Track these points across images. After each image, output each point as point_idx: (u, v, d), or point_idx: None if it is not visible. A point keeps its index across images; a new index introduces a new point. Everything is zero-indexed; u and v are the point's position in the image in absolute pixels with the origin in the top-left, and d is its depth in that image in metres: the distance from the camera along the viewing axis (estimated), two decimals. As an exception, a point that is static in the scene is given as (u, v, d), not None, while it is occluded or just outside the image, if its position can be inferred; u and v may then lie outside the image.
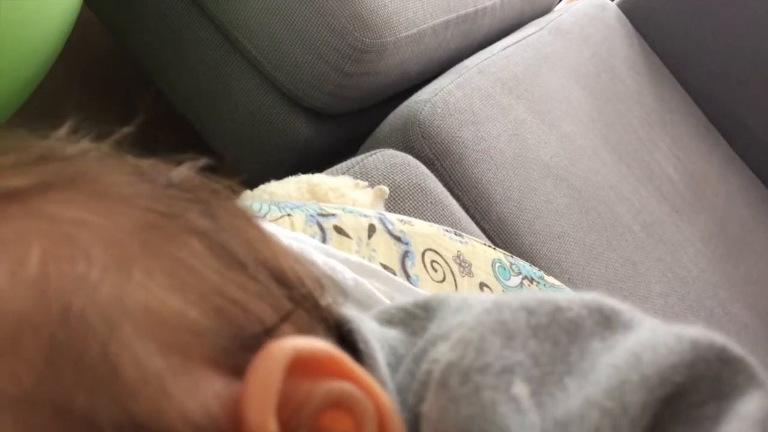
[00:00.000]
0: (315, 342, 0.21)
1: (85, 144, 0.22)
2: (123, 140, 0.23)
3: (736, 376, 0.20)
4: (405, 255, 0.47)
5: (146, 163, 0.23)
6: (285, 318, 0.21)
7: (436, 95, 0.90)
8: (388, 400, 0.21)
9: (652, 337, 0.20)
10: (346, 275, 0.41)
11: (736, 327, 0.96)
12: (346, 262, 0.43)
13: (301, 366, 0.20)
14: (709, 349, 0.20)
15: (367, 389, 0.21)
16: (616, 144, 1.05)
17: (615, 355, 0.20)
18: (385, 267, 0.46)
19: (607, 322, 0.22)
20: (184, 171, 0.23)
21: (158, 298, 0.19)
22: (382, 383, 0.22)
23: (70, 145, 0.22)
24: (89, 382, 0.18)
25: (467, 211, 0.85)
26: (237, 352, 0.20)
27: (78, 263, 0.19)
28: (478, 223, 0.84)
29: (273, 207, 0.45)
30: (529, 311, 0.21)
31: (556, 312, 0.21)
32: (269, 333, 0.21)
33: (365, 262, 0.43)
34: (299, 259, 0.26)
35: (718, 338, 0.21)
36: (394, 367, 0.23)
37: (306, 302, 0.23)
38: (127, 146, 0.23)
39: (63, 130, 0.23)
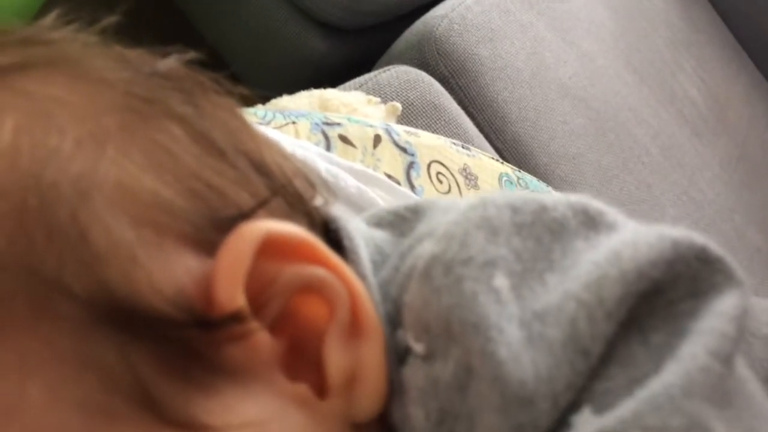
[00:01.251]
0: (289, 226, 0.21)
1: (69, 31, 0.22)
2: (111, 30, 0.23)
3: (715, 275, 0.20)
4: (410, 166, 0.47)
5: (132, 53, 0.23)
6: (262, 203, 0.22)
7: (453, 10, 0.87)
8: (363, 287, 0.22)
9: (634, 236, 0.21)
10: (349, 182, 0.42)
11: (750, 251, 0.95)
12: (349, 170, 0.43)
13: (274, 248, 0.21)
14: (689, 249, 0.20)
15: (340, 275, 0.21)
16: (639, 65, 1.03)
17: (597, 253, 0.20)
18: (389, 177, 0.46)
19: (592, 223, 0.22)
20: (170, 62, 0.23)
21: (132, 174, 0.20)
22: (363, 277, 0.22)
23: (55, 31, 0.22)
24: (58, 246, 0.18)
25: (481, 130, 0.84)
26: (211, 233, 0.20)
27: (51, 136, 0.19)
28: (492, 143, 0.84)
29: (278, 114, 0.45)
30: (514, 209, 0.21)
31: (541, 211, 0.21)
32: (245, 217, 0.21)
33: (369, 170, 0.43)
34: (288, 156, 0.26)
35: (699, 238, 0.21)
36: (378, 264, 0.24)
37: (286, 193, 0.23)
38: (116, 36, 0.23)
39: (49, 18, 0.23)
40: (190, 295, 0.19)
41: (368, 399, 0.21)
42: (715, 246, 0.21)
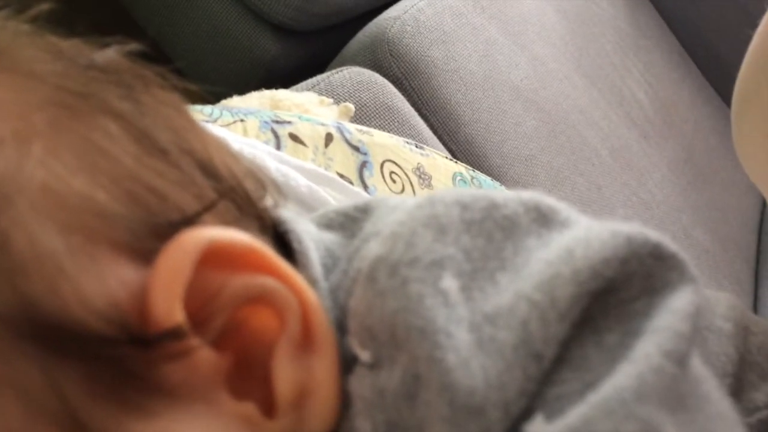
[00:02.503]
0: (234, 233, 0.20)
1: None
2: (44, 18, 0.22)
3: (669, 272, 0.20)
4: (363, 165, 0.46)
5: (67, 43, 0.21)
6: (207, 208, 0.20)
7: (406, 12, 0.87)
8: (314, 297, 0.20)
9: (586, 233, 0.20)
10: (300, 182, 0.41)
11: (697, 251, 0.97)
12: (300, 169, 0.42)
13: (218, 257, 0.19)
14: (642, 246, 0.20)
15: (290, 284, 0.20)
16: (588, 68, 1.04)
17: (549, 251, 0.20)
18: (341, 176, 0.45)
19: (544, 220, 0.21)
20: (110, 53, 0.21)
21: (60, 177, 0.18)
22: (314, 282, 0.21)
23: None
24: None
25: (435, 131, 0.84)
26: (149, 241, 0.19)
27: None
28: (445, 144, 0.84)
29: (225, 112, 0.44)
30: (463, 206, 0.20)
31: (492, 208, 0.21)
32: (188, 222, 0.20)
33: (320, 169, 0.43)
34: (237, 157, 0.25)
35: (653, 235, 0.20)
36: (329, 268, 0.22)
37: (235, 195, 0.22)
38: (49, 25, 0.22)
39: None
40: (123, 309, 0.18)
41: (319, 417, 0.20)
42: (668, 242, 0.20)
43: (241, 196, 0.22)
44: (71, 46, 0.21)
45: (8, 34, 0.21)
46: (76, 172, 0.18)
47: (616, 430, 0.16)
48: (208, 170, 0.22)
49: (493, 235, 0.20)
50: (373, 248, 0.20)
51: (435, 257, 0.19)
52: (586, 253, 0.19)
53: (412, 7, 0.89)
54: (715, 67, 1.24)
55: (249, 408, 0.19)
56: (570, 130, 0.94)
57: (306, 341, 0.20)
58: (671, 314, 0.19)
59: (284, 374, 0.19)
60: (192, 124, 0.23)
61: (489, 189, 0.20)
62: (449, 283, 0.19)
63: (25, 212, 0.17)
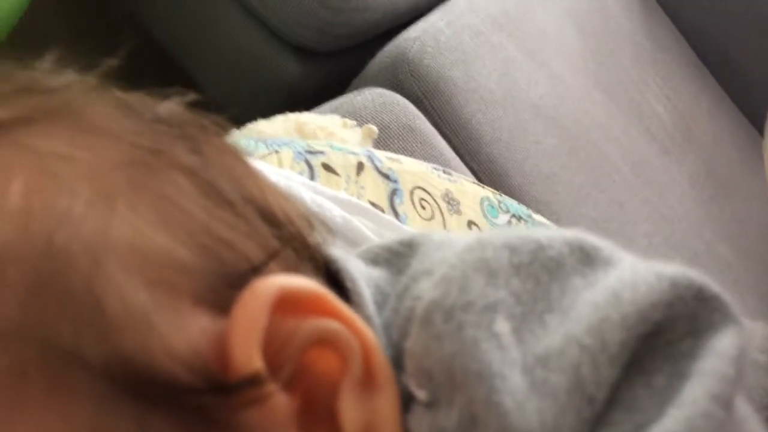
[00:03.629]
0: (301, 280, 0.21)
1: (69, 76, 0.22)
2: (108, 74, 0.23)
3: (713, 314, 0.20)
4: (393, 193, 0.47)
5: (132, 98, 0.22)
6: (272, 256, 0.21)
7: (425, 33, 0.88)
8: (374, 337, 0.21)
9: (632, 275, 0.21)
10: (335, 212, 0.42)
11: (720, 266, 0.97)
12: (334, 199, 0.43)
13: (287, 304, 0.20)
14: (687, 288, 0.20)
15: (352, 327, 0.21)
16: (607, 84, 1.05)
17: (595, 292, 0.20)
18: (373, 205, 0.46)
19: (588, 260, 0.22)
20: (171, 106, 0.22)
21: (144, 234, 0.19)
22: (369, 320, 0.22)
23: (54, 77, 0.22)
24: (74, 316, 0.17)
25: (456, 151, 0.84)
26: (223, 290, 0.20)
27: (61, 197, 0.18)
28: (467, 164, 0.84)
29: (260, 144, 0.45)
30: (512, 249, 0.21)
31: (538, 250, 0.21)
32: (256, 271, 0.20)
33: (354, 199, 0.43)
34: (287, 197, 0.25)
35: (696, 276, 0.21)
36: (380, 305, 0.23)
37: (294, 241, 0.23)
38: (112, 80, 0.23)
39: (47, 62, 0.22)
40: (205, 358, 0.19)
41: None
42: (711, 284, 0.21)
43: (297, 241, 0.23)
44: (136, 100, 0.22)
45: (79, 92, 0.22)
46: (156, 227, 0.19)
47: None
48: (268, 218, 0.22)
49: (540, 277, 0.21)
50: (426, 290, 0.21)
51: (488, 301, 0.20)
52: (633, 298, 0.20)
53: (432, 26, 0.90)
54: (733, 79, 1.24)
55: None
56: (590, 147, 0.95)
57: (368, 380, 0.21)
58: (717, 357, 0.19)
59: (350, 413, 0.20)
60: (249, 170, 0.24)
61: (532, 229, 0.21)
62: (502, 326, 0.20)
63: (115, 270, 0.18)
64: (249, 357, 0.19)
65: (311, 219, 0.25)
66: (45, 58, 0.22)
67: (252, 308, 0.19)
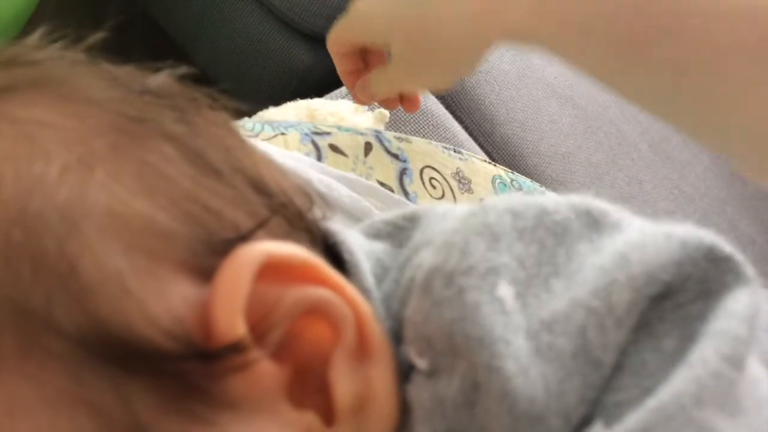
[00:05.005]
0: (290, 246, 0.20)
1: (54, 49, 0.22)
2: (98, 48, 0.22)
3: (725, 275, 0.19)
4: (403, 172, 0.47)
5: (121, 70, 0.22)
6: (261, 224, 0.21)
7: (436, 15, 0.87)
8: (368, 307, 0.21)
9: (640, 236, 0.20)
10: (342, 192, 0.41)
11: (743, 242, 0.95)
12: (342, 179, 0.42)
13: (274, 271, 0.20)
14: (697, 249, 0.19)
15: (344, 296, 0.20)
16: (623, 61, 1.03)
17: (602, 255, 0.20)
18: (382, 185, 0.45)
19: (596, 224, 0.21)
20: (162, 78, 0.22)
21: (122, 200, 0.19)
22: (367, 292, 0.22)
23: (40, 50, 0.21)
24: (47, 281, 0.17)
25: (470, 133, 0.84)
26: (208, 258, 0.19)
27: (37, 162, 0.18)
28: (481, 145, 0.83)
29: (266, 126, 0.44)
30: (515, 214, 0.21)
31: (543, 215, 0.21)
32: (243, 239, 0.20)
33: (362, 179, 0.43)
34: (285, 172, 0.25)
35: (707, 237, 0.20)
36: (380, 278, 0.23)
37: (287, 211, 0.22)
38: (103, 54, 0.23)
39: (35, 36, 0.22)
40: (187, 325, 0.18)
41: (377, 424, 0.20)
42: (723, 244, 0.20)
43: (291, 211, 0.23)
44: (125, 72, 0.22)
45: (66, 63, 0.21)
46: (137, 194, 0.19)
47: None
48: (260, 187, 0.22)
49: (545, 241, 0.20)
50: (426, 258, 0.21)
51: (490, 265, 0.19)
52: (642, 258, 0.19)
53: (443, 9, 0.89)
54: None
55: (309, 417, 0.20)
56: (607, 126, 0.93)
57: (362, 351, 0.20)
58: (728, 317, 0.18)
59: (342, 383, 0.20)
60: (241, 143, 0.23)
61: (538, 195, 0.20)
62: (505, 290, 0.19)
63: (92, 236, 0.18)
64: (231, 323, 0.18)
65: (311, 194, 0.25)
66: (32, 34, 0.22)
67: (235, 274, 0.19)
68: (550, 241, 0.20)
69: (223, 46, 0.93)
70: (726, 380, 0.17)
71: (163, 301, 0.18)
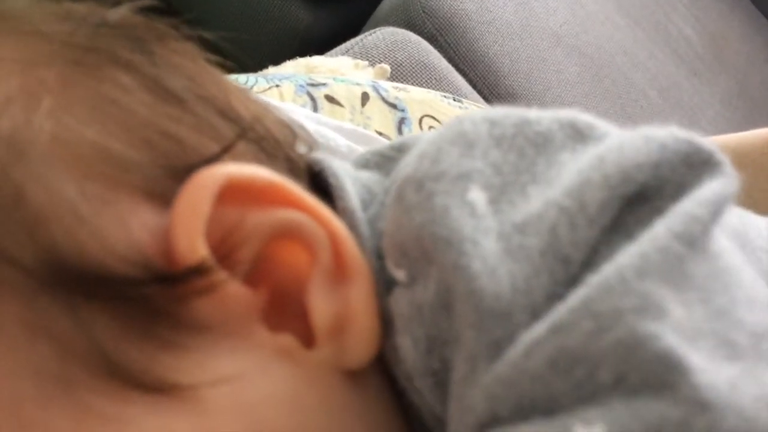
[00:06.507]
0: (254, 169, 0.20)
1: None
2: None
3: (701, 177, 0.19)
4: (401, 122, 0.46)
5: (81, 6, 0.21)
6: (227, 148, 0.20)
7: (435, -33, 0.86)
8: (342, 226, 0.20)
9: (620, 140, 0.19)
10: (339, 142, 0.40)
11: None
12: (339, 129, 0.42)
13: (237, 192, 0.19)
14: (676, 153, 0.19)
15: (317, 216, 0.20)
16: (631, 8, 1.01)
17: (581, 160, 0.19)
18: (380, 134, 0.44)
19: (580, 136, 0.20)
20: (121, 11, 0.21)
21: (71, 128, 0.18)
22: (352, 212, 0.21)
23: None
24: None
25: (474, 86, 0.82)
26: (171, 184, 0.19)
27: None
28: (485, 98, 0.82)
29: (260, 79, 0.44)
30: (492, 122, 0.20)
31: (523, 124, 0.20)
32: (208, 164, 0.20)
33: (359, 129, 0.42)
34: (267, 106, 0.25)
35: (689, 140, 0.19)
36: (368, 204, 0.22)
37: (257, 136, 0.22)
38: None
39: None
40: (147, 251, 0.18)
41: (359, 343, 0.20)
42: (704, 145, 0.19)
43: (265, 138, 0.22)
44: (85, 8, 0.21)
45: (23, 2, 0.21)
46: (87, 123, 0.19)
47: (615, 307, 0.16)
48: (228, 114, 0.21)
49: (525, 150, 0.20)
50: (402, 170, 0.20)
51: (461, 171, 0.19)
52: (617, 159, 0.19)
53: (442, -39, 0.87)
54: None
55: (287, 339, 0.19)
56: (615, 74, 0.91)
57: (339, 271, 0.20)
58: (692, 200, 0.18)
59: (319, 305, 0.20)
60: (208, 72, 0.23)
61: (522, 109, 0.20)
62: (476, 195, 0.19)
63: (38, 164, 0.17)
64: (191, 245, 0.18)
65: (293, 127, 0.24)
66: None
67: (195, 195, 0.19)
68: (530, 151, 0.20)
69: (220, 7, 0.92)
70: (673, 255, 0.17)
71: (118, 227, 0.18)
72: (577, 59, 0.89)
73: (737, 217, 0.24)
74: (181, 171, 0.19)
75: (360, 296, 0.20)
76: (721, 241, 0.19)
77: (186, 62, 0.22)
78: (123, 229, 0.18)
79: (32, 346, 0.17)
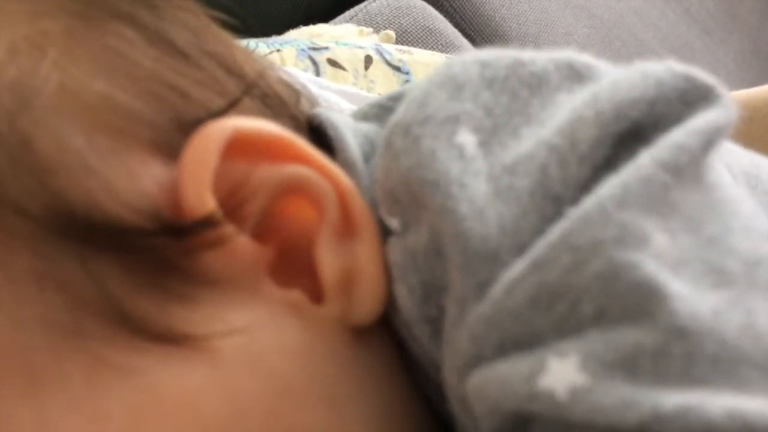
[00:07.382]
0: (261, 122, 0.20)
1: None
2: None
3: (697, 110, 0.18)
4: (406, 84, 0.45)
5: None
6: (234, 102, 0.20)
7: (439, -70, 0.84)
8: (350, 182, 0.20)
9: (615, 77, 0.19)
10: (342, 106, 0.40)
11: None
12: (342, 93, 0.41)
13: (245, 146, 0.19)
14: (673, 89, 0.18)
15: (323, 171, 0.20)
16: (640, -33, 0.99)
17: (575, 99, 0.19)
18: (385, 98, 0.44)
19: (578, 77, 0.20)
20: None
21: (77, 79, 0.18)
22: (353, 164, 0.21)
23: None
24: (1, 158, 0.17)
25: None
26: (178, 137, 0.19)
27: None
28: (494, 63, 0.81)
29: (261, 44, 0.43)
30: (484, 64, 0.19)
31: (516, 65, 0.19)
32: (214, 117, 0.19)
33: (362, 92, 0.42)
34: (270, 65, 0.24)
35: (686, 76, 0.18)
36: (369, 154, 0.22)
37: (263, 93, 0.22)
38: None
39: None
40: (155, 202, 0.18)
41: (369, 297, 0.20)
42: (701, 81, 0.19)
43: (270, 96, 0.22)
44: None
45: None
46: (94, 74, 0.18)
47: (594, 238, 0.15)
48: (232, 70, 0.21)
49: (518, 92, 0.19)
50: (393, 117, 0.20)
51: (449, 114, 0.19)
52: (611, 96, 0.18)
53: (446, -77, 0.85)
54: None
55: (295, 295, 0.19)
56: (625, 34, 0.90)
57: (347, 226, 0.20)
58: (682, 129, 0.17)
59: (328, 260, 0.19)
60: (213, 28, 0.23)
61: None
62: (465, 137, 0.18)
63: (46, 113, 0.17)
64: (199, 197, 0.18)
65: (295, 86, 0.24)
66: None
67: (202, 148, 0.18)
68: (523, 92, 0.19)
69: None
70: (658, 185, 0.16)
71: (127, 178, 0.18)
72: (587, 21, 0.87)
73: (749, 159, 0.23)
74: (188, 124, 0.19)
75: (367, 251, 0.20)
76: (722, 174, 0.18)
77: (190, 18, 0.22)
78: (132, 180, 0.18)
79: (43, 296, 0.17)
